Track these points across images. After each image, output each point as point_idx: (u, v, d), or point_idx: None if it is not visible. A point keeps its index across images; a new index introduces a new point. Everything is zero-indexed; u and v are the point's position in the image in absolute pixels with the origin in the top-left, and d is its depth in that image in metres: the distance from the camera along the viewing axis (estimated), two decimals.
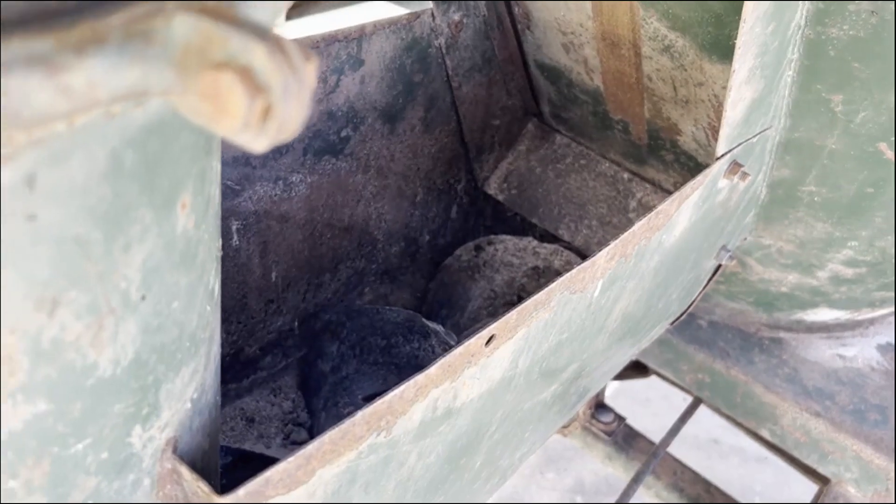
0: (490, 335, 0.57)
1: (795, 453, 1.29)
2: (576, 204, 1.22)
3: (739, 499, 1.89)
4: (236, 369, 1.00)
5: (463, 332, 1.12)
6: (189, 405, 0.43)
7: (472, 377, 0.58)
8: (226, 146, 0.87)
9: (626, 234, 0.69)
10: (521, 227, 1.29)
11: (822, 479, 1.30)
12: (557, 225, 1.22)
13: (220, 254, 0.44)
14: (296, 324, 1.02)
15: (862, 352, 1.38)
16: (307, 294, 1.02)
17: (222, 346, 0.96)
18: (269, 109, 0.24)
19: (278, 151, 0.89)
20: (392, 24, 0.94)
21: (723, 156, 0.82)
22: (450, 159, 1.17)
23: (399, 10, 0.97)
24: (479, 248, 1.20)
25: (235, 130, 0.24)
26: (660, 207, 0.73)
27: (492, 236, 1.21)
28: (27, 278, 0.29)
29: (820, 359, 1.36)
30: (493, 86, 1.16)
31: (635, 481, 1.27)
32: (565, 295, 0.65)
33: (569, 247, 1.21)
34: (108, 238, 0.31)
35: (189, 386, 0.42)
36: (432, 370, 0.52)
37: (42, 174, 0.27)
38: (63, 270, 0.30)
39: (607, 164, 1.22)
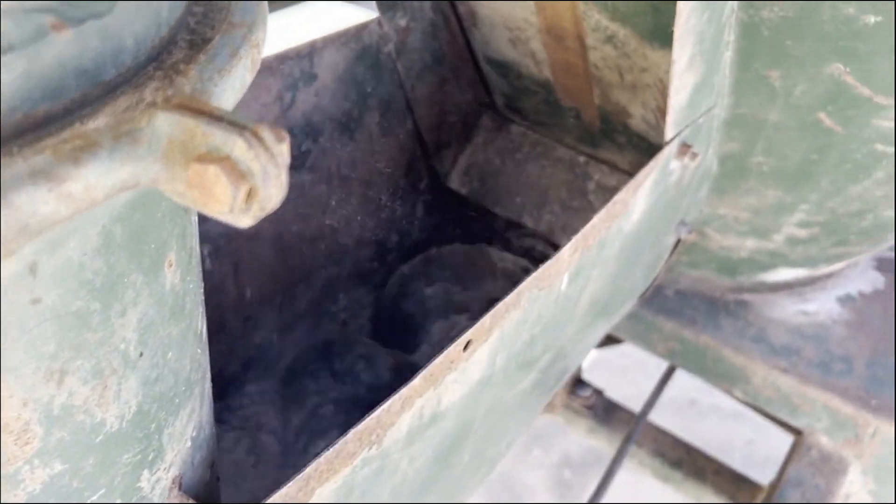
0: (467, 341, 0.60)
1: (768, 409, 1.35)
2: (536, 191, 1.25)
3: (721, 457, 1.95)
4: (221, 387, 1.02)
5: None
6: (189, 443, 0.45)
7: (453, 382, 0.61)
8: None
9: (587, 227, 0.72)
10: (486, 218, 1.32)
11: (795, 432, 1.35)
12: (520, 213, 1.25)
13: (203, 300, 0.47)
14: (274, 337, 1.05)
15: (823, 306, 1.44)
16: (282, 306, 1.04)
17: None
18: (251, 192, 0.26)
19: None
20: (341, 36, 0.96)
21: (671, 140, 0.85)
22: (410, 159, 1.19)
23: (347, 20, 0.99)
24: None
25: (222, 214, 0.27)
26: (616, 197, 0.76)
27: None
28: (36, 354, 0.31)
29: (784, 316, 1.42)
30: (445, 84, 1.19)
31: (619, 454, 1.32)
32: (534, 292, 0.68)
33: (534, 234, 1.25)
34: (105, 307, 0.33)
35: (188, 426, 0.44)
36: (416, 381, 0.55)
37: (42, 261, 0.29)
38: (68, 342, 0.32)
39: (563, 150, 1.25)
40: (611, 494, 1.39)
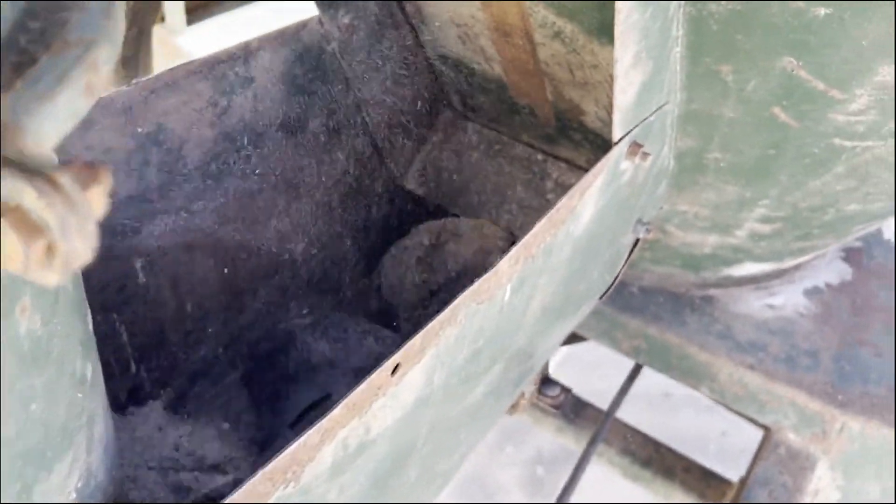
0: (395, 364, 0.56)
1: (735, 407, 1.33)
2: (494, 190, 1.22)
3: (695, 450, 1.93)
4: (167, 401, 0.98)
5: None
6: (74, 495, 0.42)
7: (383, 407, 0.58)
8: (119, 183, 0.84)
9: (527, 236, 0.69)
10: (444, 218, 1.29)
11: (764, 428, 1.33)
12: (478, 213, 1.22)
13: (90, 335, 0.43)
14: (220, 350, 1.01)
15: (790, 299, 1.42)
16: (228, 319, 1.01)
17: (147, 384, 0.94)
18: (50, 247, 0.23)
19: (175, 183, 0.87)
20: (278, 36, 0.92)
21: (619, 140, 0.82)
22: (362, 160, 1.16)
23: (283, 19, 0.95)
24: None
25: (21, 271, 0.23)
26: (560, 203, 0.73)
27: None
28: None
29: (750, 311, 1.39)
30: (397, 82, 1.15)
31: (585, 454, 1.29)
32: (472, 307, 0.64)
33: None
34: None
35: (70, 478, 0.41)
36: (336, 412, 0.51)
37: None
38: None
39: (521, 148, 1.22)
40: (581, 494, 1.37)
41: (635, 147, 0.84)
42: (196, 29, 1.79)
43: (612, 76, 0.91)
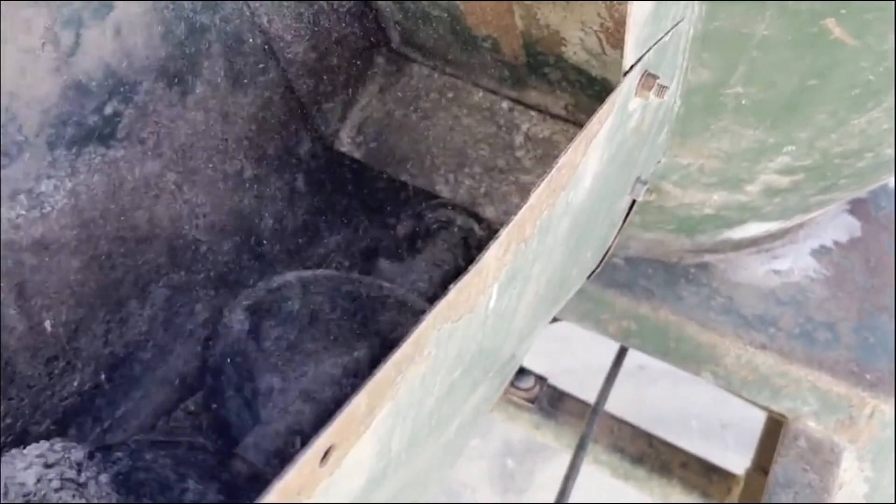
0: (326, 449, 0.33)
1: (744, 394, 1.13)
2: (451, 149, 0.98)
3: (676, 425, 1.76)
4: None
5: None
6: None
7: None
8: None
9: (521, 212, 0.45)
10: (389, 188, 1.04)
11: (777, 419, 1.14)
12: (432, 179, 0.98)
13: None
14: (102, 377, 0.76)
15: (797, 262, 1.22)
16: (109, 334, 0.75)
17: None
18: None
19: (6, 154, 0.61)
20: None
21: (632, 67, 0.59)
22: (280, 117, 0.90)
23: None
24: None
25: None
26: (561, 161, 0.49)
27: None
28: None
29: (753, 279, 1.19)
30: (319, 15, 0.89)
31: (575, 461, 1.08)
32: (445, 328, 0.41)
33: (452, 204, 0.98)
34: None
35: None
36: None
37: None
38: None
39: (481, 94, 0.98)
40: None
41: (650, 79, 0.61)
42: None
43: None
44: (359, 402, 0.34)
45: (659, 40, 0.62)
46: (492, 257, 0.43)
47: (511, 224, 0.44)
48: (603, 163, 0.62)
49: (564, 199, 0.55)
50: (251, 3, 0.79)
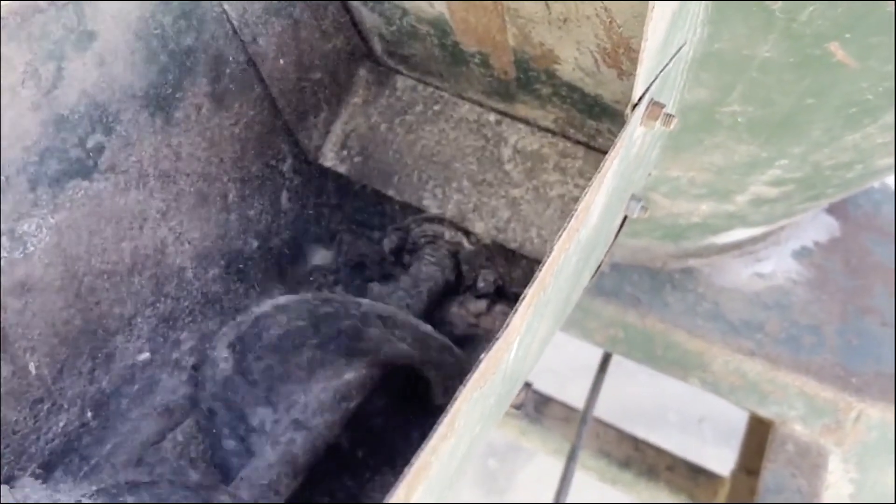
0: None
1: (731, 399, 1.13)
2: (438, 163, 0.96)
3: (654, 418, 1.77)
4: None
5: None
6: None
7: None
8: None
9: (545, 267, 0.44)
10: (375, 202, 1.02)
11: (763, 424, 1.15)
12: (420, 194, 0.96)
13: None
14: (89, 415, 0.73)
15: (779, 265, 1.22)
16: (95, 371, 0.72)
17: None
18: None
19: None
20: None
21: (640, 99, 0.58)
22: (263, 136, 0.88)
23: None
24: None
25: None
26: (580, 205, 0.48)
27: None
28: None
29: (738, 283, 1.19)
30: (301, 30, 0.87)
31: (567, 473, 1.08)
32: (472, 398, 0.39)
33: (440, 219, 0.96)
34: None
35: None
36: None
37: None
38: None
39: (468, 107, 0.96)
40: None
41: (656, 108, 0.60)
42: None
43: (606, 8, 0.66)
44: (398, 494, 0.32)
45: (664, 68, 0.61)
46: (518, 317, 0.42)
47: (535, 282, 0.43)
48: (609, 195, 0.61)
49: (577, 239, 0.54)
50: (234, 21, 0.76)
